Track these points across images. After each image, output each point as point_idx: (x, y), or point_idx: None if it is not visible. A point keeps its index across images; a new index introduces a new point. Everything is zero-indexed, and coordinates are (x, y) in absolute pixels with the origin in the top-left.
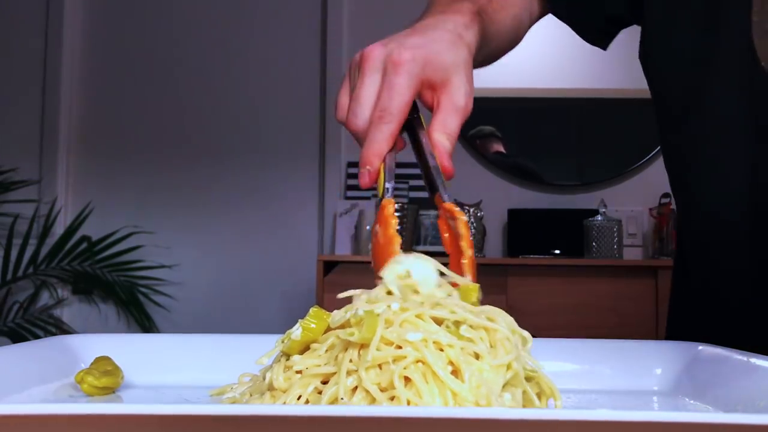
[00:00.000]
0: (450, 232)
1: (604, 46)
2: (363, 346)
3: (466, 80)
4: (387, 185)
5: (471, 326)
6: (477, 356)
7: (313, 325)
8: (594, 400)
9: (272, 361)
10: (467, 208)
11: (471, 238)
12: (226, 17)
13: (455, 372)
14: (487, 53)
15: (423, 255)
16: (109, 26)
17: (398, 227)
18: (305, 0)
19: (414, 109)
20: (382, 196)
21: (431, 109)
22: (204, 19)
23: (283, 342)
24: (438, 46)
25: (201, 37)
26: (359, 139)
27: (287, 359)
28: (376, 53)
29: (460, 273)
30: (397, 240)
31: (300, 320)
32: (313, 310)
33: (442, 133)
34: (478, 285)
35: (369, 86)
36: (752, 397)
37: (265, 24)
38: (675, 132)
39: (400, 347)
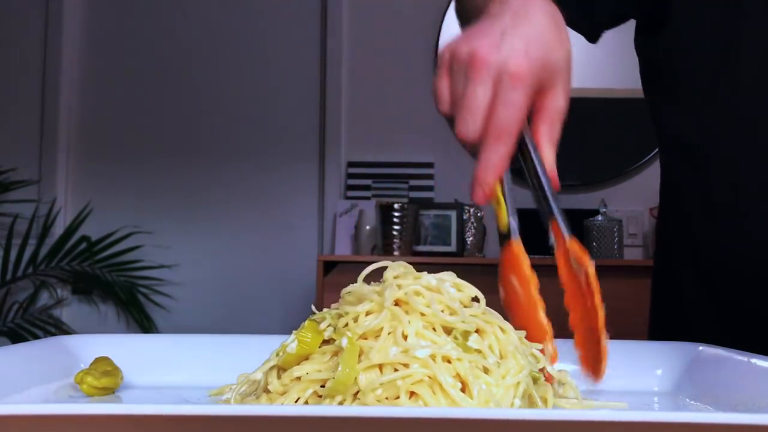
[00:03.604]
0: (571, 275)
1: (594, 40)
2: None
3: (569, 80)
4: (512, 222)
5: (481, 332)
6: (486, 370)
7: (308, 339)
8: (594, 400)
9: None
10: (467, 208)
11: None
12: (225, 18)
13: (463, 387)
14: None
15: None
16: (109, 26)
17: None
18: (305, 0)
19: None
20: (507, 233)
21: (529, 110)
22: (204, 20)
23: (278, 355)
24: (548, 41)
25: (200, 37)
26: (467, 147)
27: (283, 371)
28: (491, 59)
29: (587, 330)
30: (541, 305)
31: (295, 332)
32: (309, 323)
33: (550, 144)
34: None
35: (481, 96)
36: (752, 397)
37: (265, 24)
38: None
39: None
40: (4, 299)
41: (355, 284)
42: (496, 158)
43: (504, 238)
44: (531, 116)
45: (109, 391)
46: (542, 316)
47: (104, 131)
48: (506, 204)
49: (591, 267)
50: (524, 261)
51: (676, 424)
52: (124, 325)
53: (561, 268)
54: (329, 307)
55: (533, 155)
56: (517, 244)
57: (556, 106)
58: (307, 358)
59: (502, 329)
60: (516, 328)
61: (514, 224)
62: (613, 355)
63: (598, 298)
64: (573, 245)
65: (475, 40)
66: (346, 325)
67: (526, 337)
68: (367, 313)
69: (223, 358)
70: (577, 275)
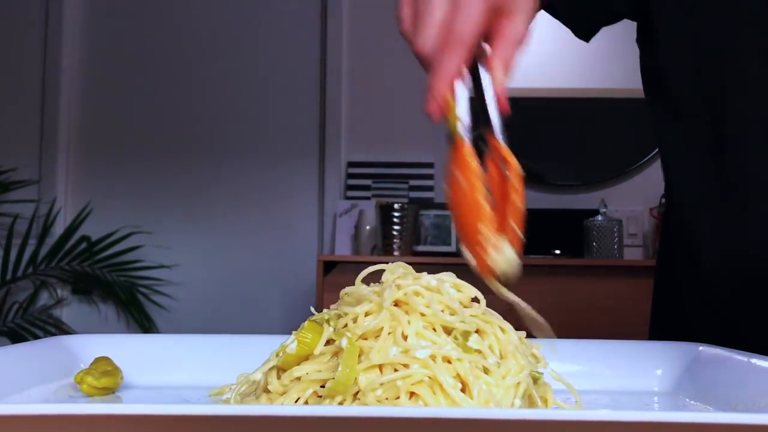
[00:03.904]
0: (498, 177)
1: (587, 39)
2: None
3: (531, 10)
4: (462, 118)
5: (481, 332)
6: (486, 371)
7: (308, 339)
8: (594, 400)
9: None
10: None
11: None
12: (225, 18)
13: (463, 387)
14: None
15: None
16: (109, 27)
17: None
18: (305, 0)
19: None
20: (454, 132)
21: (487, 35)
22: (203, 20)
23: (278, 355)
24: None
25: (200, 37)
26: (424, 63)
27: (283, 372)
28: None
29: (504, 222)
30: (481, 191)
31: (295, 332)
32: (309, 323)
33: (502, 66)
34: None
35: (437, 6)
36: (752, 397)
37: (265, 24)
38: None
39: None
40: (4, 299)
41: (353, 286)
42: (449, 67)
43: (452, 140)
44: (489, 41)
45: (109, 391)
46: (482, 200)
47: (104, 131)
48: (457, 109)
49: (515, 164)
50: (467, 153)
51: (676, 424)
52: (124, 325)
53: (490, 171)
54: (329, 308)
55: (482, 74)
56: (462, 140)
57: (513, 31)
58: (306, 359)
59: (502, 329)
60: (456, 220)
61: (465, 122)
62: (613, 355)
63: (518, 196)
64: (503, 148)
65: None
66: (345, 325)
67: (464, 219)
68: (366, 314)
69: (223, 358)
70: (507, 175)
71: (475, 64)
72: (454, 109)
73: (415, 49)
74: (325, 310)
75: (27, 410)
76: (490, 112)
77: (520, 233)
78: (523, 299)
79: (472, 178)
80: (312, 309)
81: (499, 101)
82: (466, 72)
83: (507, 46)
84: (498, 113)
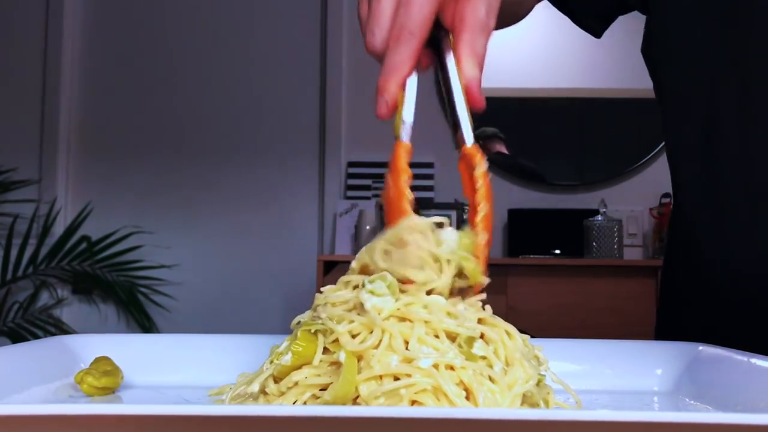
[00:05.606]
0: (469, 181)
1: (598, 34)
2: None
3: None
4: (405, 120)
5: (486, 337)
6: (491, 380)
7: (300, 349)
8: (594, 400)
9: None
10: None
11: (491, 190)
12: (226, 17)
13: (468, 395)
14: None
15: (436, 219)
16: (109, 26)
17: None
18: (305, 1)
19: (438, 26)
20: (398, 135)
21: (450, 27)
22: (204, 20)
23: (272, 363)
24: None
25: (201, 36)
26: (378, 60)
27: (280, 380)
28: None
29: (473, 226)
30: (407, 196)
31: (287, 339)
32: (302, 333)
33: (471, 59)
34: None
35: (386, 4)
36: (752, 397)
37: (265, 24)
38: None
39: (408, 360)
40: (4, 299)
41: (332, 309)
42: (398, 63)
43: (395, 139)
44: (453, 31)
45: (109, 391)
46: (407, 207)
47: (104, 131)
48: (403, 107)
49: (481, 166)
50: (402, 157)
51: (676, 424)
52: (124, 325)
53: (464, 177)
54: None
55: (447, 65)
56: (400, 147)
57: (475, 17)
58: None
59: (508, 333)
60: (387, 222)
61: (407, 122)
62: (613, 355)
63: (480, 194)
64: (471, 149)
65: None
66: (336, 340)
67: (391, 225)
68: (354, 335)
69: (223, 358)
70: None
71: (441, 56)
72: (401, 110)
73: (366, 46)
74: (313, 316)
75: (27, 410)
76: (458, 109)
77: (481, 240)
78: (524, 299)
79: (400, 184)
80: (300, 318)
81: (469, 95)
82: (428, 59)
83: (471, 35)
84: (467, 109)
